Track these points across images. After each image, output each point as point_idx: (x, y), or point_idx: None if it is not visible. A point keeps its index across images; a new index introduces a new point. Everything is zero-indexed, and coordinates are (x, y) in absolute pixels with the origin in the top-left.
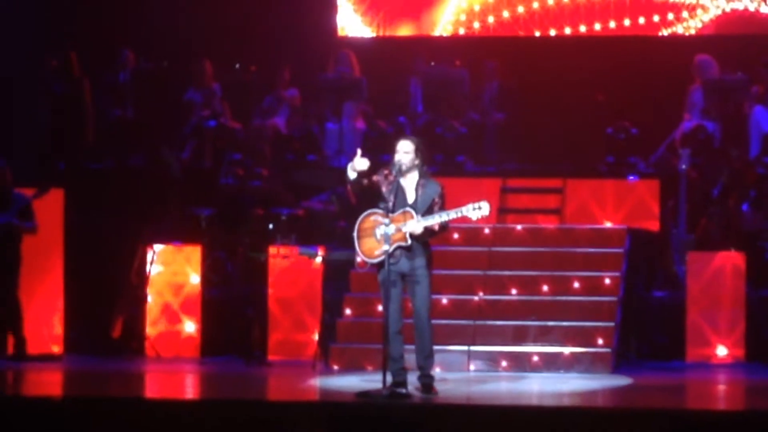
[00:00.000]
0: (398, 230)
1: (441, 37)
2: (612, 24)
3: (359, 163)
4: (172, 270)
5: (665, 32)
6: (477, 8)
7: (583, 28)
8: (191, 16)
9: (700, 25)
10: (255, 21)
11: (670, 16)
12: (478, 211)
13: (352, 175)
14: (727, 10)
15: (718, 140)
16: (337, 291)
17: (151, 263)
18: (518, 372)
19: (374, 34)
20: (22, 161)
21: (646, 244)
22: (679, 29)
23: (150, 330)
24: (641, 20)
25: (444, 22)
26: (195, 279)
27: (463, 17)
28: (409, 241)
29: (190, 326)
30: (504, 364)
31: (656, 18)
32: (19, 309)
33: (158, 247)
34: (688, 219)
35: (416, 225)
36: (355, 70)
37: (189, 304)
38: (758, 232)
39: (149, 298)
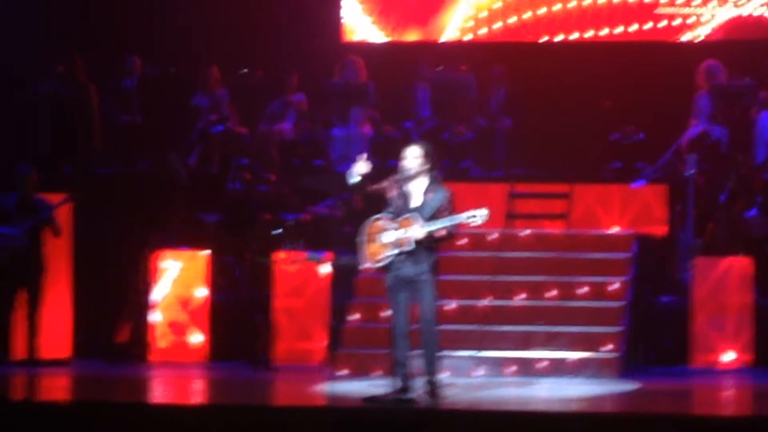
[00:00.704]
0: (402, 235)
1: (447, 43)
2: (619, 29)
3: (359, 167)
4: (179, 284)
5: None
6: (484, 15)
7: (589, 34)
8: (198, 21)
9: (708, 31)
10: (262, 26)
11: (677, 21)
12: (475, 218)
13: (354, 178)
14: (734, 15)
15: (725, 146)
16: (343, 296)
17: (159, 270)
18: (525, 377)
19: (385, 37)
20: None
21: (653, 250)
22: (687, 35)
23: (158, 343)
24: (648, 26)
25: (451, 29)
26: (203, 292)
27: (471, 23)
28: (413, 246)
29: (197, 337)
30: (511, 369)
31: (663, 23)
32: (39, 315)
33: (166, 263)
34: (695, 224)
35: (419, 230)
36: (362, 75)
37: (196, 316)
38: (765, 238)
39: (158, 316)
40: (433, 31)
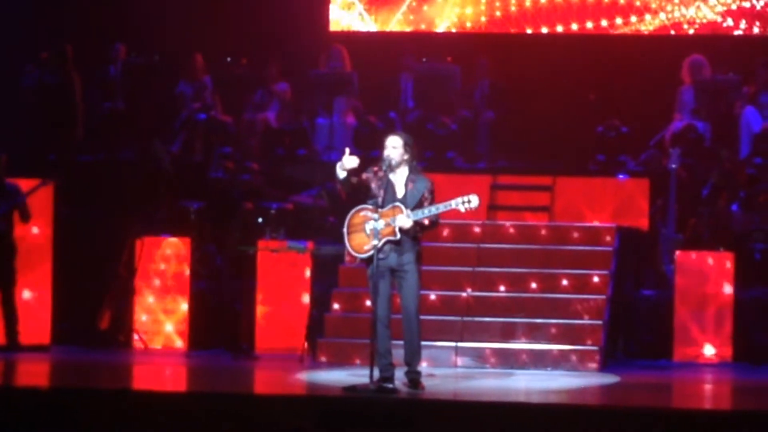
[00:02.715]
0: (387, 225)
1: (432, 33)
2: (604, 22)
3: (348, 162)
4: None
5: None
6: (469, 8)
7: (574, 27)
8: (182, 9)
9: (691, 31)
10: (247, 14)
11: (662, 16)
12: (467, 204)
13: (341, 174)
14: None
15: (708, 140)
16: (325, 286)
17: (140, 256)
18: (506, 369)
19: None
20: (12, 153)
21: (635, 243)
22: (673, 30)
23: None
24: (633, 19)
25: (438, 20)
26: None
27: (456, 16)
28: (399, 236)
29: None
30: (492, 360)
31: (648, 17)
32: (15, 300)
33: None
34: (678, 218)
35: (406, 219)
36: (347, 65)
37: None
38: (747, 233)
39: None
40: (419, 22)
